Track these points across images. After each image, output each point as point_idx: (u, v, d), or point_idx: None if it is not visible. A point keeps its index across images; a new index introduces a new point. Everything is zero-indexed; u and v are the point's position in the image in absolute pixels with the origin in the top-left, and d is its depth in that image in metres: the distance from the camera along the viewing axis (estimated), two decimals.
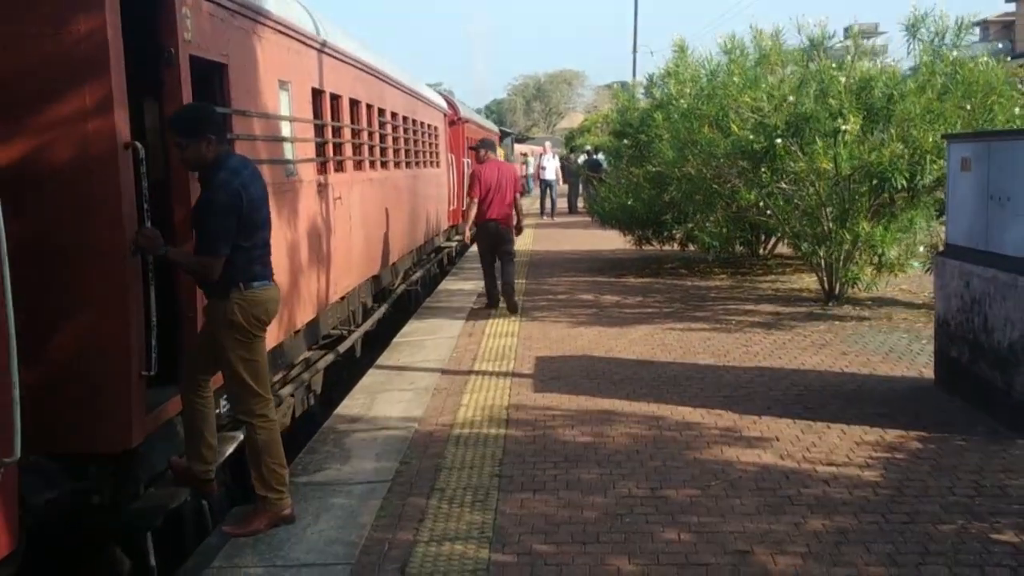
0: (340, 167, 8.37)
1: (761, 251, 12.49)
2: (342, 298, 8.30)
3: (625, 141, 12.67)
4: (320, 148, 7.59)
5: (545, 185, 25.67)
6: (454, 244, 16.95)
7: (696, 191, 9.61)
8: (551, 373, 6.73)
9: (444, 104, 16.79)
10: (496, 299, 9.35)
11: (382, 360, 7.69)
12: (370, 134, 9.73)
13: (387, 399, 6.23)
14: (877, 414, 5.36)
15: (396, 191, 10.99)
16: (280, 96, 6.37)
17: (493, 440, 5.13)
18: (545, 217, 24.10)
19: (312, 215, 7.05)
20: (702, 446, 4.90)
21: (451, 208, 16.77)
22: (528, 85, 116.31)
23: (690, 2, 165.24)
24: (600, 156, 25.45)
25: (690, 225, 11.29)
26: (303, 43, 6.99)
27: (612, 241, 14.48)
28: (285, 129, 6.49)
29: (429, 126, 14.41)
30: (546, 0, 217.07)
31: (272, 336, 5.04)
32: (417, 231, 12.81)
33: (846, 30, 11.52)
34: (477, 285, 11.56)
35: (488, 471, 4.61)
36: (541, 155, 26.04)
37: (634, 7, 36.35)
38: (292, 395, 6.43)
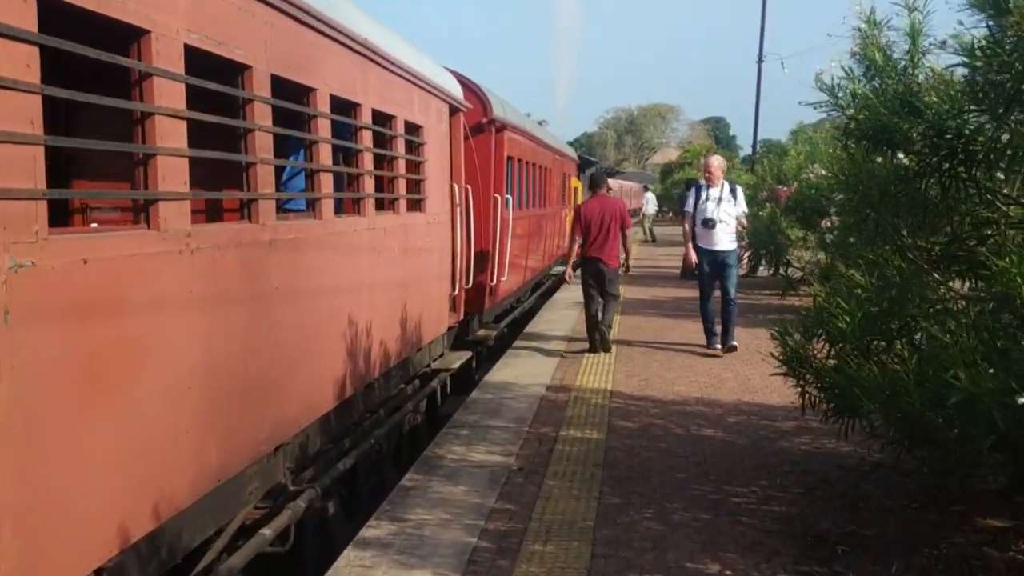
0: None
1: None
2: None
3: (901, 158, 4.15)
4: None
5: (718, 264, 8.92)
6: (460, 362, 8.54)
7: None
8: None
9: (453, 87, 8.54)
10: (595, 343, 8.75)
11: None
12: None
13: None
14: None
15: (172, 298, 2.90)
16: None
17: None
18: (717, 349, 8.98)
19: None
20: None
21: (457, 291, 8.52)
22: (620, 119, 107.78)
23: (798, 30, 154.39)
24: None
25: None
26: None
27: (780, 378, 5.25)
28: None
29: (391, 121, 6.31)
30: (641, 30, 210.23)
31: None
32: (332, 368, 4.71)
33: None
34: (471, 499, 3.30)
35: None
36: (694, 189, 9.12)
37: (762, 5, 27.92)
38: None
